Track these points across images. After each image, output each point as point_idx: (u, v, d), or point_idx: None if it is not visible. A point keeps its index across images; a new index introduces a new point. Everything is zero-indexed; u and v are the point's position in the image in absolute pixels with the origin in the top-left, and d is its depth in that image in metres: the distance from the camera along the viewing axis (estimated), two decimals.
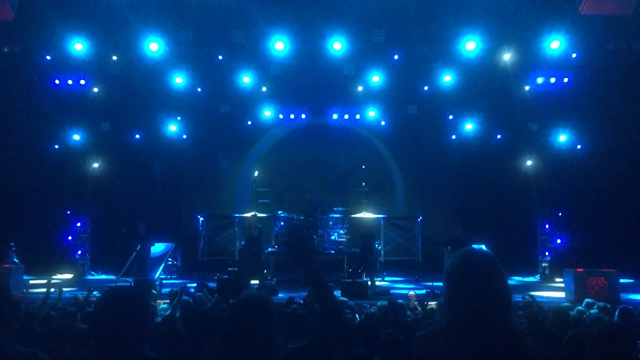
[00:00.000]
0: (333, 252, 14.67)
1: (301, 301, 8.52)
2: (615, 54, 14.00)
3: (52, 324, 5.72)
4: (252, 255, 13.02)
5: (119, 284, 11.18)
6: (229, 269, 13.44)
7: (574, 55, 14.11)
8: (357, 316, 7.67)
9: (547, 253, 15.98)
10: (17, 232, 14.66)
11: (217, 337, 2.37)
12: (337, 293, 11.19)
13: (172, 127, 17.00)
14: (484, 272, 2.21)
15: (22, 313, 6.20)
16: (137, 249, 13.03)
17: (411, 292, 10.01)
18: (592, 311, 6.24)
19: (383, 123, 17.43)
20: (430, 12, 13.10)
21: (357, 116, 17.44)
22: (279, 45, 13.56)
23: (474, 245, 13.06)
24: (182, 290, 8.47)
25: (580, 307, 7.74)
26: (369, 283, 12.71)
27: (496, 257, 2.30)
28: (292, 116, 17.70)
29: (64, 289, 9.42)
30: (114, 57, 14.61)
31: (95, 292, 10.45)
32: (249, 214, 15.15)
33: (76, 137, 16.26)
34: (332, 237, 15.01)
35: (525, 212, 16.50)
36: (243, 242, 14.22)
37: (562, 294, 11.80)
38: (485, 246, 14.69)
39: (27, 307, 7.24)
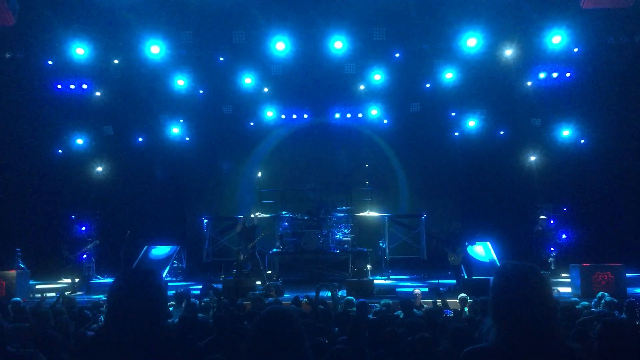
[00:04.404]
0: (338, 251, 14.65)
1: (305, 299, 8.49)
2: (617, 47, 13.93)
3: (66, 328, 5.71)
4: (248, 255, 13.04)
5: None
6: (233, 270, 13.48)
7: (575, 50, 14.04)
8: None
9: (552, 249, 15.91)
10: (23, 237, 14.71)
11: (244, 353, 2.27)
12: (343, 292, 11.18)
13: (175, 130, 17.02)
14: (523, 286, 2.17)
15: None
16: None
17: (417, 290, 9.98)
18: (601, 304, 6.23)
19: (385, 121, 17.39)
20: (430, 9, 13.04)
21: (360, 115, 17.38)
22: (280, 46, 13.52)
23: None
24: (188, 292, 8.46)
25: (585, 302, 7.71)
26: None
27: (535, 267, 2.25)
28: (294, 116, 17.67)
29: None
30: (116, 61, 14.60)
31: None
32: (252, 214, 15.13)
33: (79, 141, 16.37)
34: (337, 237, 15.01)
35: (530, 207, 16.45)
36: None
37: (568, 289, 11.76)
38: (490, 243, 14.73)
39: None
